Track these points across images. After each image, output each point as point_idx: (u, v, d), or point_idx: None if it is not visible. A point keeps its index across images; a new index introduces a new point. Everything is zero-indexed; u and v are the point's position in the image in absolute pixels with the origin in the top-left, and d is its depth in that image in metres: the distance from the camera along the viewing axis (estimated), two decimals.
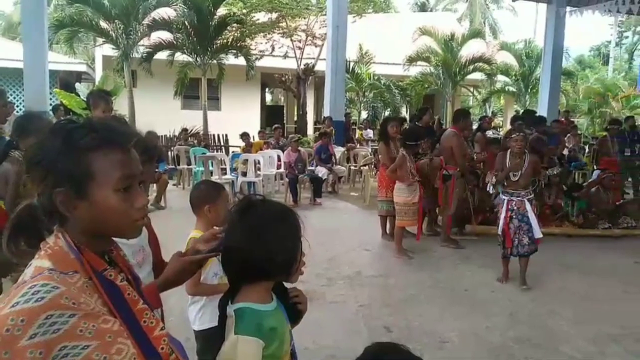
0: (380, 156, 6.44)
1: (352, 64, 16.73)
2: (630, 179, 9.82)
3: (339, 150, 10.71)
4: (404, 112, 19.40)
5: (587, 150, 12.04)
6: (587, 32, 52.95)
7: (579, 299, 4.51)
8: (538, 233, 4.73)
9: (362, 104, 19.09)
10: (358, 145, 13.17)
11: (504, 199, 4.85)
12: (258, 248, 1.21)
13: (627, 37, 39.82)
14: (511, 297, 4.37)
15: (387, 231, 6.41)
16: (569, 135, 11.14)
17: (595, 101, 19.85)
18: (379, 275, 5.09)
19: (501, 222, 4.79)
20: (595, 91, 20.05)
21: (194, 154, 9.93)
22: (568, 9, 12.77)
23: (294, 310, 1.38)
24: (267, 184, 9.39)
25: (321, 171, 9.30)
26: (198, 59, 13.61)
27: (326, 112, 11.96)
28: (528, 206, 4.75)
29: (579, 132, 14.03)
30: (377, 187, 6.64)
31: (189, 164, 10.12)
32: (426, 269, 5.29)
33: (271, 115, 19.55)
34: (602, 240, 6.66)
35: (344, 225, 7.31)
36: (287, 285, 1.37)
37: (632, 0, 10.77)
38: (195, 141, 11.31)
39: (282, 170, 9.52)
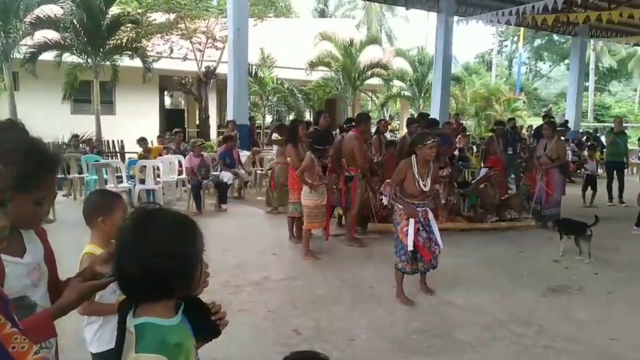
0: (289, 159, 6.45)
1: (254, 68, 16.66)
2: (513, 175, 10.84)
3: (244, 155, 10.59)
4: (308, 116, 19.67)
5: (475, 149, 13.03)
6: (473, 40, 57.50)
7: (472, 289, 4.85)
8: (442, 243, 4.50)
9: (266, 108, 19.08)
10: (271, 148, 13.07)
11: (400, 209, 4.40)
12: (154, 263, 1.13)
13: (506, 46, 43.83)
14: (411, 290, 4.58)
15: (295, 233, 6.47)
16: (459, 136, 12.01)
17: (481, 104, 21.55)
18: (287, 279, 5.11)
19: (410, 237, 4.27)
20: (481, 95, 21.78)
21: (86, 161, 9.27)
22: (456, 18, 13.79)
23: (213, 326, 1.32)
24: (168, 192, 9.04)
25: (226, 176, 9.13)
26: (89, 60, 12.76)
27: (229, 116, 11.79)
28: (431, 215, 4.48)
29: (467, 133, 15.18)
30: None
31: (80, 172, 9.43)
32: (333, 269, 5.40)
33: (171, 120, 18.81)
34: (491, 233, 7.23)
35: (251, 230, 7.25)
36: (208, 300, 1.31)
37: (510, 12, 11.86)
38: (88, 148, 10.56)
39: (184, 176, 9.22)
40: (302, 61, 17.88)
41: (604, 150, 11.58)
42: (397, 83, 20.31)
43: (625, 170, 10.62)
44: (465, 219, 7.49)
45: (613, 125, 10.88)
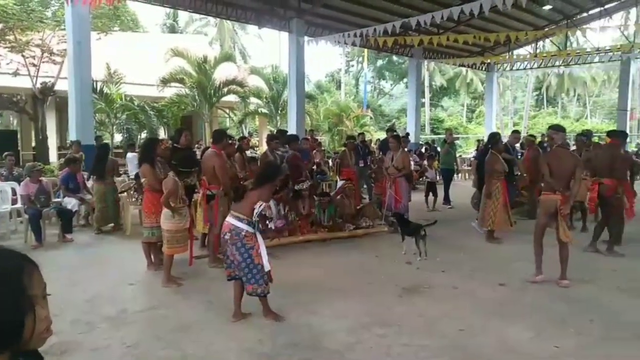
0: (144, 179, 6.05)
1: (100, 84, 15.50)
2: (365, 186, 11.56)
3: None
4: (162, 134, 18.84)
5: (330, 163, 13.64)
6: (324, 60, 60.48)
7: (335, 296, 5.02)
8: (267, 265, 4.28)
9: (114, 126, 17.83)
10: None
11: (255, 232, 4.27)
12: None
13: (353, 66, 46.91)
14: (275, 305, 4.59)
15: (153, 260, 6.09)
16: (315, 151, 12.49)
17: (334, 121, 22.68)
18: (147, 309, 4.76)
19: (265, 257, 4.25)
20: (333, 112, 22.93)
21: None
22: (306, 38, 14.39)
23: None
24: (1, 225, 7.94)
25: (70, 202, 8.25)
26: None
27: (72, 136, 10.76)
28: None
29: (323, 148, 15.86)
30: (142, 213, 6.25)
31: None
32: (197, 293, 5.18)
33: (1, 142, 16.57)
34: (349, 241, 7.60)
35: (103, 260, 6.64)
36: None
37: (355, 34, 12.73)
38: None
39: (19, 205, 8.16)
40: (153, 77, 17.11)
41: (439, 159, 13.01)
42: (253, 100, 20.46)
43: (456, 176, 12.10)
44: (325, 230, 7.77)
45: (445, 136, 12.28)
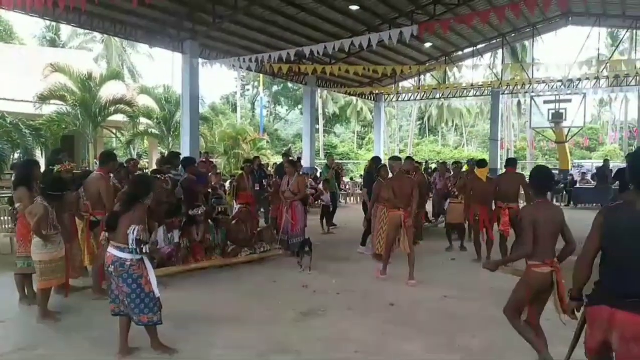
0: (19, 205, 5.45)
1: None
2: (262, 210, 11.51)
3: None
4: (39, 154, 17.23)
5: (227, 186, 13.41)
6: (218, 82, 59.94)
7: (232, 325, 4.88)
8: (157, 292, 4.07)
9: None
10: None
11: (141, 259, 4.02)
12: None
13: (248, 90, 47.01)
14: (167, 337, 4.34)
15: (27, 293, 5.49)
16: (210, 174, 12.19)
17: (230, 144, 22.40)
18: (20, 350, 4.26)
19: (155, 284, 4.05)
20: (229, 135, 22.66)
21: None
22: (201, 60, 14.16)
23: None
24: None
25: None
26: None
27: None
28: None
29: (218, 171, 15.55)
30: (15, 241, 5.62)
31: None
32: (79, 329, 4.75)
33: None
34: (246, 267, 7.47)
35: None
36: None
37: (250, 59, 12.82)
38: None
39: None
40: (30, 94, 15.68)
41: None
42: (143, 121, 19.54)
43: (348, 200, 12.60)
44: (219, 256, 7.56)
45: (328, 162, 13.66)
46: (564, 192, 17.78)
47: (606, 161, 17.97)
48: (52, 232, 4.98)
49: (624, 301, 2.44)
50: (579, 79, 19.43)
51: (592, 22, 19.12)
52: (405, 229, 6.56)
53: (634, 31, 19.58)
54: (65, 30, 34.62)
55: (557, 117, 19.49)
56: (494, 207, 7.77)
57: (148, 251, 4.01)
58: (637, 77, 18.49)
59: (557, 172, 20.39)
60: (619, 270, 2.54)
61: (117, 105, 16.80)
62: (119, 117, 17.81)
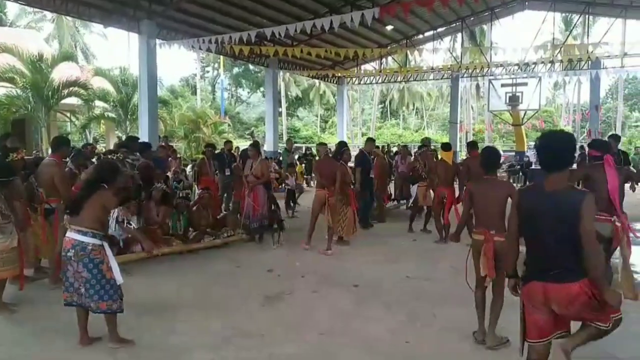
0: None
1: None
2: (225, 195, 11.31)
3: None
4: None
5: (188, 171, 13.15)
6: (177, 63, 58.41)
7: (196, 311, 4.82)
8: (120, 278, 3.97)
9: None
10: None
11: (102, 244, 3.95)
12: None
13: (208, 72, 46.03)
14: (129, 325, 4.26)
15: None
16: (170, 159, 11.91)
17: (190, 127, 21.94)
18: None
19: (116, 269, 3.96)
20: (189, 118, 22.19)
21: None
22: (158, 41, 13.71)
23: None
24: None
25: None
26: None
27: None
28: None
29: (178, 155, 15.22)
30: None
31: None
32: (34, 320, 4.58)
33: None
34: (209, 252, 7.36)
35: None
36: None
37: (210, 40, 12.50)
38: None
39: None
40: None
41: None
42: (99, 104, 18.87)
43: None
44: (180, 242, 7.43)
45: (286, 146, 13.74)
46: (520, 173, 18.33)
47: None
48: (3, 220, 4.75)
49: (549, 274, 2.68)
50: (535, 63, 19.98)
51: (548, 6, 19.62)
52: (329, 206, 7.31)
53: (587, 16, 20.23)
54: (12, 8, 32.86)
55: (514, 100, 20.00)
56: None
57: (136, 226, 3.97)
58: (589, 61, 19.14)
59: (513, 153, 21.01)
60: (537, 247, 2.79)
61: (71, 88, 16.15)
62: (73, 100, 17.13)
